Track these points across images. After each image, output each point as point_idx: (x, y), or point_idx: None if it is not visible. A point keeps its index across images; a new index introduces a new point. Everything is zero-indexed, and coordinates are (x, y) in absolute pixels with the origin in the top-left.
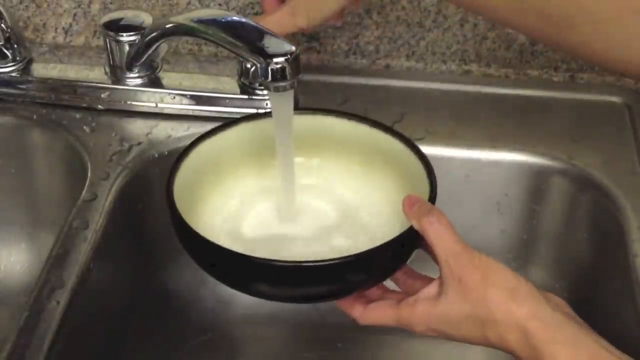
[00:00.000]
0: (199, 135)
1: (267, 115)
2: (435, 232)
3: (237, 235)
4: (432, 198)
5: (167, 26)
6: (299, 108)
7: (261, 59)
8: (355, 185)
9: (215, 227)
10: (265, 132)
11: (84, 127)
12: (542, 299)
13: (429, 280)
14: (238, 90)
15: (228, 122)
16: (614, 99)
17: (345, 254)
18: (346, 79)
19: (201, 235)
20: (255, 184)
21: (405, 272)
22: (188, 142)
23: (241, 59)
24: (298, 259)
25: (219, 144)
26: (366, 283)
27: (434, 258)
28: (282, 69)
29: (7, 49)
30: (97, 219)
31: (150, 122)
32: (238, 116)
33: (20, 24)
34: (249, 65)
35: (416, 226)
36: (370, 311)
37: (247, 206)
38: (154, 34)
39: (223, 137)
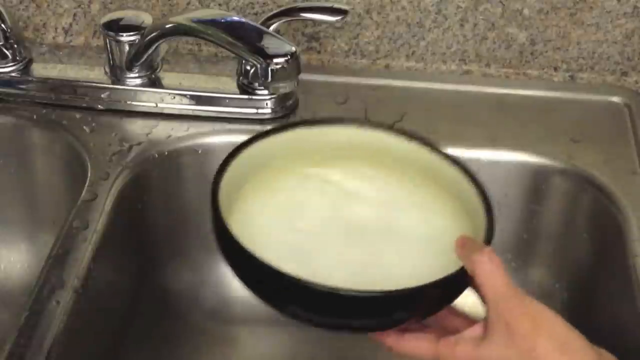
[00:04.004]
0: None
1: (319, 123)
2: (485, 273)
3: (277, 244)
4: (489, 237)
5: (167, 26)
6: (360, 121)
7: (261, 59)
8: (405, 205)
9: (256, 235)
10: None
11: (84, 127)
12: (593, 355)
13: (470, 321)
14: (238, 90)
15: (275, 128)
16: (614, 99)
17: (375, 272)
18: (346, 79)
19: (248, 250)
20: (296, 191)
21: (447, 308)
22: (188, 142)
23: (242, 59)
24: (327, 278)
25: (266, 147)
26: (405, 320)
27: (482, 299)
28: (282, 69)
29: (7, 49)
30: (97, 219)
31: (150, 122)
32: (238, 116)
33: (20, 24)
34: (248, 67)
35: (466, 265)
36: (406, 341)
37: (289, 212)
38: (154, 34)
39: (269, 142)
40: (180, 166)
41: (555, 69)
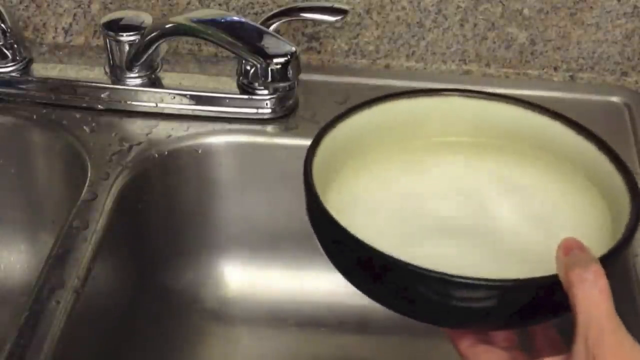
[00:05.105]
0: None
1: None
2: (585, 294)
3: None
4: (616, 250)
5: (167, 26)
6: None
7: (261, 59)
8: (535, 190)
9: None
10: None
11: (84, 127)
12: None
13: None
14: (238, 90)
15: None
16: (614, 99)
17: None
18: (346, 79)
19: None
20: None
21: (547, 334)
22: (188, 142)
23: (242, 59)
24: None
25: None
26: (477, 317)
27: (573, 324)
28: (282, 69)
29: (7, 49)
30: (97, 219)
31: (150, 122)
32: (238, 116)
33: (20, 24)
34: (248, 67)
35: (562, 277)
36: (477, 351)
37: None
38: (154, 34)
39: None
40: (180, 166)
41: (555, 69)
